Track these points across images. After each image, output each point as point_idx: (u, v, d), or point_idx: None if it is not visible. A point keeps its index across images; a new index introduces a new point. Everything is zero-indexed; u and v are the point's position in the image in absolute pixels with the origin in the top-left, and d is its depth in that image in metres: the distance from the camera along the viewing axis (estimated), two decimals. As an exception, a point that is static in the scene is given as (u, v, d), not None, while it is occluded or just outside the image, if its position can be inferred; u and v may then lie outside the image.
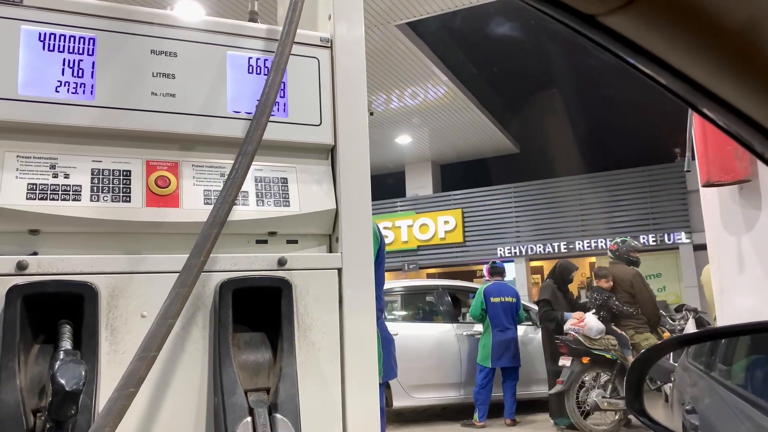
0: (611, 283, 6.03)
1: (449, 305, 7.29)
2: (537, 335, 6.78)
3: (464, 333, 6.95)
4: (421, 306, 7.71)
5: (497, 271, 6.97)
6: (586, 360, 5.69)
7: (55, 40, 1.07)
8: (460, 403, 6.90)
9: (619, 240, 6.57)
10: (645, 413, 0.79)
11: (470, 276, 13.83)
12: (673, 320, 6.27)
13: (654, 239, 12.21)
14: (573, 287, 7.18)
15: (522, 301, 6.92)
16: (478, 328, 6.88)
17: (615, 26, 0.33)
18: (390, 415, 6.76)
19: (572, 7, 0.31)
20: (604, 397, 5.65)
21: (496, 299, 6.60)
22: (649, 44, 0.35)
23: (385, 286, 7.32)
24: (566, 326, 5.96)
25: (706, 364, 1.59)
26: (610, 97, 12.12)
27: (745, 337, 1.21)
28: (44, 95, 1.05)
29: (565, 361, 5.77)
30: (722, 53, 0.33)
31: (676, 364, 2.20)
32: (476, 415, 6.55)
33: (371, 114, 11.70)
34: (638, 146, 12.97)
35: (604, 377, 5.76)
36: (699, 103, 0.40)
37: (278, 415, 1.01)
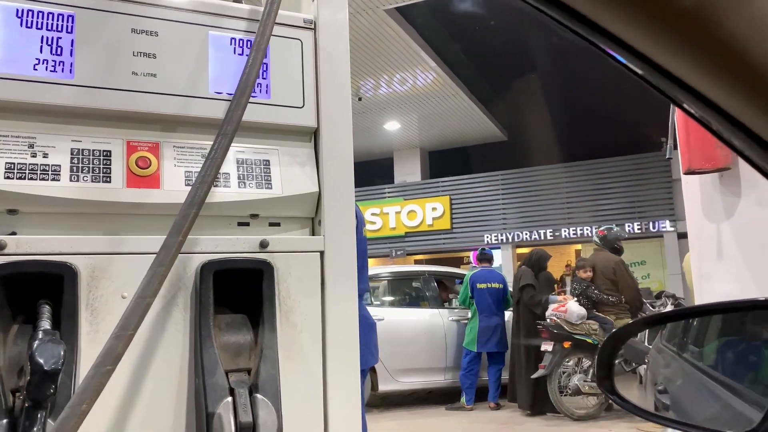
0: (590, 274, 6.14)
1: (435, 291, 7.34)
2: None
3: (450, 318, 7.01)
4: (408, 291, 7.75)
5: (485, 257, 7.03)
6: (567, 344, 5.77)
7: (33, 17, 1.06)
8: (445, 387, 6.97)
9: (606, 227, 6.66)
10: (615, 392, 0.81)
11: (457, 262, 13.90)
12: (654, 307, 6.37)
13: (639, 227, 12.34)
14: (557, 275, 7.25)
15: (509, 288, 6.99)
16: (463, 313, 6.94)
17: (573, 4, 0.33)
18: (375, 399, 6.82)
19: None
20: (585, 381, 5.73)
21: (483, 285, 6.65)
22: (608, 23, 0.35)
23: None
24: (548, 312, 6.04)
25: (678, 346, 1.62)
26: (597, 86, 12.15)
27: (717, 319, 1.24)
28: (22, 73, 1.03)
29: (546, 346, 5.85)
30: (679, 36, 0.34)
31: (651, 347, 2.25)
32: (464, 399, 6.63)
33: (359, 100, 11.65)
34: (624, 135, 13.04)
35: (585, 362, 5.85)
36: (673, 93, 0.40)
37: (259, 396, 1.02)
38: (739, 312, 1.03)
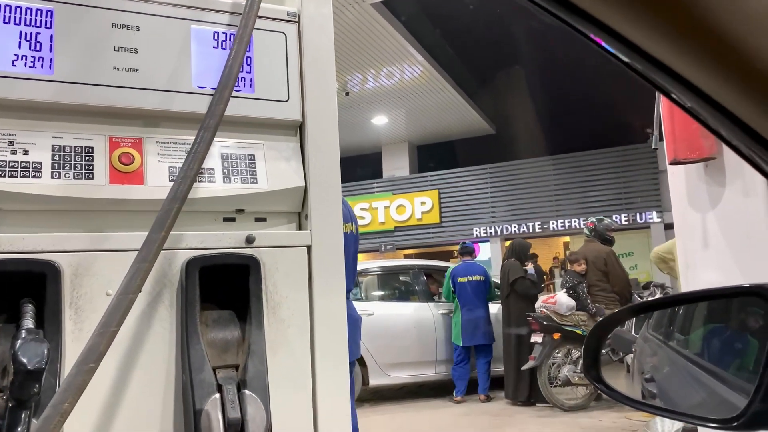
0: (584, 267, 6.16)
1: (425, 284, 7.36)
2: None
3: (440, 312, 7.03)
4: (397, 286, 7.77)
5: (466, 251, 7.07)
6: (557, 336, 5.81)
7: (11, 12, 1.04)
8: (436, 380, 7.00)
9: (595, 218, 6.69)
10: (602, 380, 0.82)
11: (447, 256, 13.93)
12: (641, 297, 6.43)
13: (626, 218, 12.43)
14: (546, 267, 7.29)
15: (496, 279, 7.01)
16: (452, 307, 6.97)
17: None
18: (366, 393, 6.84)
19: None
20: (575, 372, 5.78)
21: (463, 279, 6.68)
22: (595, 10, 0.35)
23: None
24: (537, 304, 6.08)
25: (664, 334, 1.64)
26: (583, 78, 12.20)
27: (702, 307, 1.25)
28: (0, 69, 1.02)
29: (536, 338, 5.89)
30: (665, 23, 0.34)
31: (638, 336, 2.27)
32: (454, 391, 6.67)
33: (347, 94, 11.61)
34: (611, 126, 13.12)
35: (575, 353, 5.89)
36: (662, 83, 0.40)
37: (247, 392, 1.01)
38: (723, 299, 1.04)
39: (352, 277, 2.75)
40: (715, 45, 0.35)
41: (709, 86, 0.38)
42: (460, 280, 6.70)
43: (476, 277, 6.71)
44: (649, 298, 6.33)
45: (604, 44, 0.39)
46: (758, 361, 0.59)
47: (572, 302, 5.91)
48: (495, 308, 6.95)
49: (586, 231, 6.57)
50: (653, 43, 0.37)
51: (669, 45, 0.36)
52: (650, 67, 0.38)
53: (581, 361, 5.77)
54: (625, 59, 0.40)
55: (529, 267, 6.47)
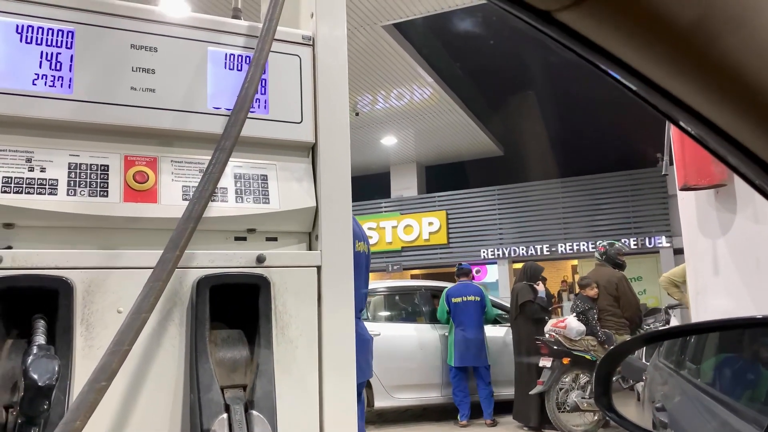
0: (596, 291, 6.08)
1: (432, 306, 7.32)
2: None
3: (445, 333, 6.98)
4: (404, 306, 7.73)
5: (463, 272, 7.04)
6: (566, 361, 5.75)
7: (32, 33, 1.06)
8: (441, 403, 6.92)
9: (607, 243, 6.65)
10: (613, 409, 0.81)
11: (453, 277, 13.88)
12: (647, 325, 6.36)
13: (635, 243, 12.35)
14: (554, 291, 7.21)
15: (503, 302, 6.95)
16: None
17: (569, 23, 0.33)
18: (371, 415, 6.77)
19: (528, 3, 0.32)
20: (583, 397, 5.70)
21: (458, 299, 6.64)
22: (603, 41, 0.36)
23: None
24: (547, 328, 6.02)
25: (675, 363, 1.62)
26: (593, 102, 12.23)
27: (714, 336, 1.24)
28: (21, 88, 1.04)
29: (545, 362, 5.83)
30: (673, 55, 0.34)
31: (648, 364, 2.24)
32: (459, 415, 6.58)
33: (356, 114, 11.69)
34: (621, 150, 13.11)
35: (583, 378, 5.82)
36: (669, 111, 0.41)
37: (254, 412, 1.01)
38: (736, 329, 1.03)
39: (364, 297, 2.74)
40: (723, 76, 0.35)
41: (717, 115, 0.38)
42: (454, 300, 6.66)
43: (471, 298, 6.66)
44: (656, 325, 6.26)
45: (611, 71, 0.40)
46: (772, 392, 0.58)
47: (582, 327, 5.85)
48: (502, 331, 6.88)
49: (597, 255, 6.52)
50: (661, 73, 0.37)
51: (676, 75, 0.37)
52: (658, 96, 0.39)
53: (592, 389, 5.70)
54: (634, 88, 0.40)
55: (540, 288, 6.41)
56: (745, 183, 0.45)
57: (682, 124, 0.41)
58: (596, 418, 5.84)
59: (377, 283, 8.20)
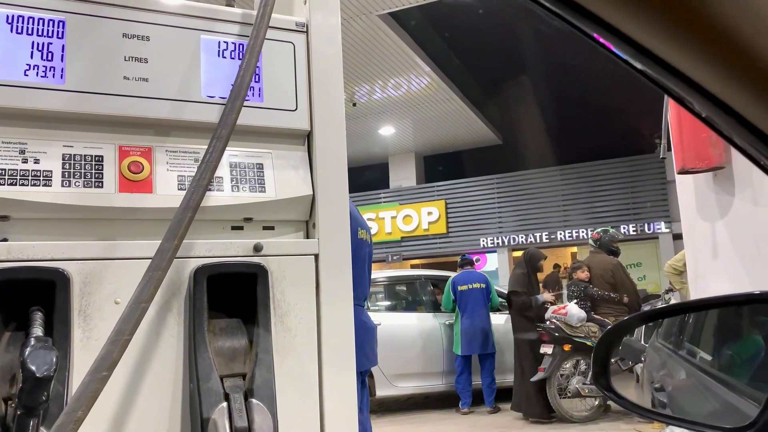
0: (587, 273, 6.12)
1: (432, 295, 7.33)
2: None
3: (446, 322, 7.00)
4: (405, 296, 7.74)
5: (466, 261, 7.06)
6: (567, 347, 5.76)
7: (23, 23, 1.05)
8: (442, 391, 6.95)
9: (600, 230, 6.65)
10: (611, 389, 0.81)
11: (454, 267, 13.85)
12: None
13: (634, 229, 12.37)
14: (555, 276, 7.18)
15: (502, 290, 6.97)
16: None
17: None
18: (373, 404, 6.80)
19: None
20: (584, 383, 5.73)
21: (464, 287, 6.65)
22: (612, 19, 0.35)
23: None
24: (547, 314, 6.03)
25: (674, 344, 1.62)
26: (591, 89, 12.20)
27: (712, 316, 1.24)
28: (13, 79, 1.03)
29: (546, 349, 5.84)
30: (681, 30, 0.34)
31: (647, 345, 2.25)
32: (460, 403, 6.61)
33: (354, 105, 11.66)
34: (619, 137, 13.09)
35: (584, 364, 5.84)
36: (677, 90, 0.40)
37: (254, 400, 1.01)
38: (734, 306, 1.03)
39: (367, 285, 2.73)
40: (727, 48, 0.35)
41: (722, 91, 0.38)
42: (460, 288, 6.67)
43: (477, 285, 6.67)
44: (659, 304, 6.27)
45: (615, 50, 0.39)
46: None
47: (583, 314, 5.86)
48: (502, 318, 6.90)
49: (591, 242, 6.53)
50: (665, 47, 0.36)
51: (681, 48, 0.36)
52: (662, 71, 0.38)
53: (591, 370, 5.72)
54: (637, 65, 0.39)
55: (541, 297, 6.37)
56: (743, 164, 0.45)
57: (686, 101, 0.41)
58: (597, 403, 5.87)
59: (377, 273, 8.22)
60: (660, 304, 6.37)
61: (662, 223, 12.20)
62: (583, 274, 6.13)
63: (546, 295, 6.41)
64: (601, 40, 0.39)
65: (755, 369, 0.98)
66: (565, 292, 6.82)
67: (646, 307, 6.15)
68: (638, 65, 0.39)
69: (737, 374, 1.09)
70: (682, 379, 1.42)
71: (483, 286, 6.68)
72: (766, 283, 2.30)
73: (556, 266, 12.24)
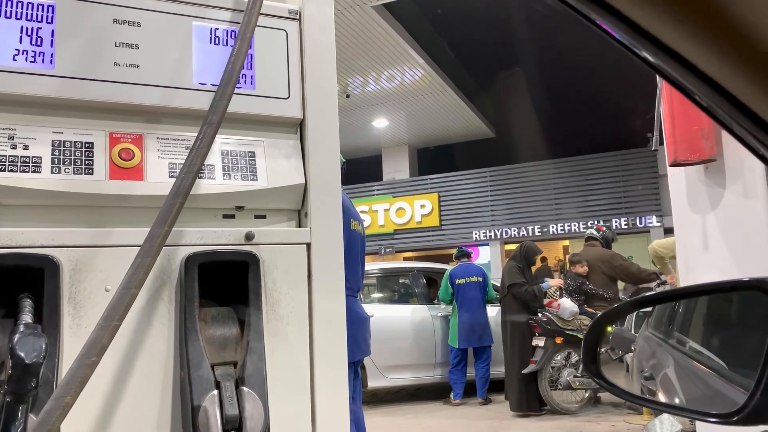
0: (586, 269, 6.15)
1: (424, 287, 7.35)
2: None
3: (439, 314, 7.02)
4: (397, 288, 7.75)
5: (463, 254, 7.08)
6: (559, 340, 5.80)
7: (12, 7, 1.04)
8: (434, 383, 6.98)
9: (605, 225, 6.78)
10: (601, 375, 0.81)
11: (446, 259, 13.90)
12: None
13: (626, 222, 12.44)
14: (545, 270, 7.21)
15: (495, 283, 6.99)
16: (450, 309, 6.94)
17: None
18: (365, 395, 6.82)
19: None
20: (575, 376, 5.77)
21: (462, 280, 6.66)
22: (615, 2, 0.35)
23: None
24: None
25: (664, 333, 1.64)
26: (584, 83, 12.22)
27: (701, 304, 1.25)
28: (1, 63, 1.02)
29: (538, 341, 5.87)
30: (685, 17, 0.34)
31: (637, 335, 2.26)
32: (452, 394, 6.65)
33: (347, 97, 11.62)
34: (611, 131, 13.13)
35: (575, 357, 5.88)
36: (679, 78, 0.40)
37: (245, 388, 1.01)
38: (722, 293, 1.04)
39: (360, 276, 2.73)
40: (731, 32, 0.34)
41: (724, 77, 0.37)
42: (458, 281, 6.68)
43: (474, 278, 6.69)
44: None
45: (614, 33, 0.39)
46: (758, 355, 0.59)
47: (575, 308, 5.89)
48: (494, 311, 6.92)
49: (593, 232, 6.56)
50: (665, 30, 0.36)
51: (682, 31, 0.36)
52: (665, 57, 0.38)
53: (581, 358, 5.75)
54: (636, 50, 0.39)
55: (546, 284, 6.40)
56: (735, 157, 0.45)
57: (687, 88, 0.40)
58: (588, 395, 5.92)
59: (370, 265, 8.22)
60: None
61: (653, 216, 12.27)
62: (582, 269, 6.14)
63: (552, 281, 6.43)
64: (604, 26, 0.39)
65: (743, 356, 0.99)
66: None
67: (657, 289, 6.15)
68: (640, 52, 0.39)
69: (725, 361, 1.10)
70: (671, 367, 1.44)
71: (480, 279, 6.71)
72: (756, 274, 2.31)
73: (543, 260, 12.25)
